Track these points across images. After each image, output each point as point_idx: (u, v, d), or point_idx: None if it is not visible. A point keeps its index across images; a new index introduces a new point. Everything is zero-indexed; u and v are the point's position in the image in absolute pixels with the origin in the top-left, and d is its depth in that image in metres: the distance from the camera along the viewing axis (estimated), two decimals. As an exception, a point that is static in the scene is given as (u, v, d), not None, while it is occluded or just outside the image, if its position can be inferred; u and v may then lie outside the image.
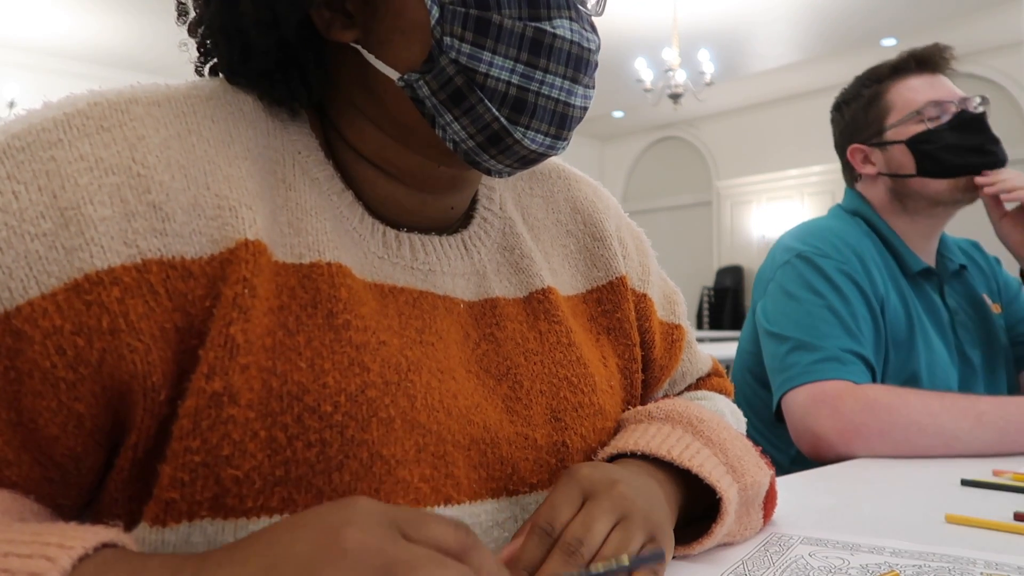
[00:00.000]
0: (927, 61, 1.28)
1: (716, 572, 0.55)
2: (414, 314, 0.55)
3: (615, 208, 0.75)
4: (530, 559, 0.46)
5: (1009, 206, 1.26)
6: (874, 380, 1.14)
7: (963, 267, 1.35)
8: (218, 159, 0.48)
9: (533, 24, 0.50)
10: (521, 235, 0.65)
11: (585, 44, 0.52)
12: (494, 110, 0.51)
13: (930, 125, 1.23)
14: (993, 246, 1.47)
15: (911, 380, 1.18)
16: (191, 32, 0.56)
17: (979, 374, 1.28)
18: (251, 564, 0.34)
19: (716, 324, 8.77)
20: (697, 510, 0.60)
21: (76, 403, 0.42)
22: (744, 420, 0.79)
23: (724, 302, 8.75)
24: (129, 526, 0.45)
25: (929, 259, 1.31)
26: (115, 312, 0.42)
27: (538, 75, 0.51)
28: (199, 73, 0.57)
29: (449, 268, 0.59)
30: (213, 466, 0.43)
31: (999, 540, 0.64)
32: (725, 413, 0.73)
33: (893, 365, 1.19)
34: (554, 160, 0.72)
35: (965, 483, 0.85)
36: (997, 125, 1.27)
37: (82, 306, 0.41)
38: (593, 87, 0.55)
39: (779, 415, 1.14)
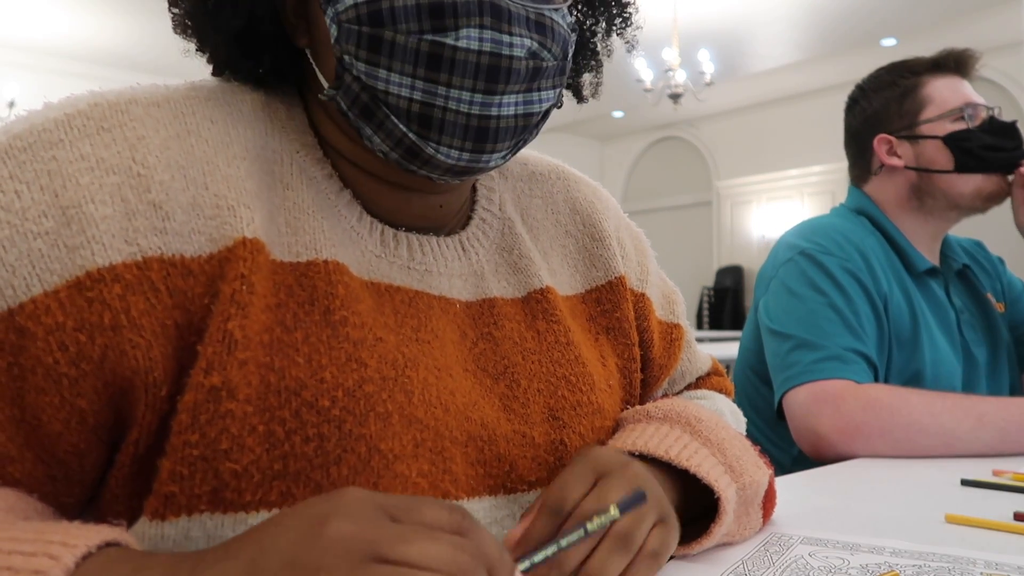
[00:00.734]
0: (963, 65, 1.29)
1: (716, 572, 0.55)
2: (410, 312, 0.55)
3: (614, 209, 0.74)
4: (539, 538, 0.46)
5: None
6: (877, 378, 1.14)
7: (966, 266, 1.35)
8: (217, 159, 0.48)
9: (430, 38, 0.48)
10: (520, 235, 0.65)
11: (503, 51, 0.48)
12: (402, 126, 0.50)
13: (970, 124, 1.24)
14: (996, 247, 1.48)
15: (915, 378, 1.18)
16: (177, 30, 0.57)
17: (983, 373, 1.28)
18: (240, 558, 0.34)
19: (716, 324, 8.77)
20: (696, 510, 0.60)
21: (79, 399, 0.42)
22: (744, 420, 0.79)
23: (724, 302, 8.75)
24: (131, 523, 0.45)
25: (933, 259, 1.31)
26: (117, 309, 0.42)
27: (441, 90, 0.49)
28: (216, 73, 0.58)
29: (446, 269, 0.59)
30: (211, 460, 0.44)
31: (999, 540, 0.64)
32: (725, 413, 0.73)
33: (897, 363, 1.18)
34: (554, 161, 0.73)
35: (965, 483, 0.85)
36: (997, 126, 1.27)
37: (84, 303, 0.42)
38: (546, 88, 0.53)
39: (780, 413, 1.14)
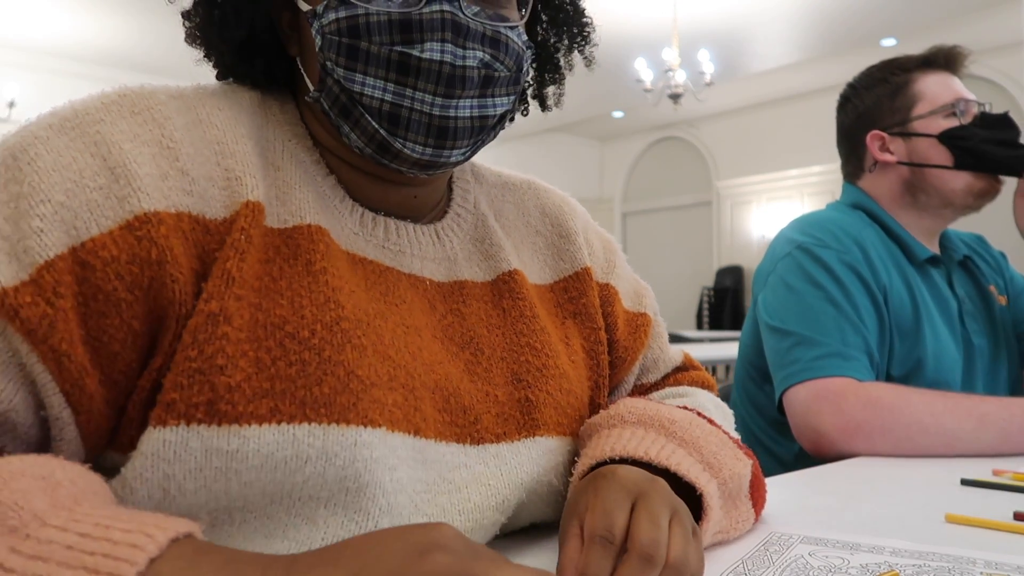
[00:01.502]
0: (953, 61, 1.29)
1: (716, 571, 0.55)
2: (379, 281, 0.61)
3: (583, 214, 0.81)
4: (599, 570, 0.46)
5: None
6: (877, 373, 1.14)
7: (967, 257, 1.35)
8: (225, 139, 0.56)
9: (399, 49, 0.55)
10: (493, 228, 0.71)
11: (459, 63, 0.56)
12: (374, 123, 0.57)
13: (963, 121, 1.24)
14: (998, 241, 1.47)
15: (916, 368, 1.18)
16: (187, 40, 0.64)
17: (984, 363, 1.27)
18: (341, 568, 0.37)
19: (716, 324, 8.77)
20: None
21: (133, 321, 0.49)
22: (731, 413, 0.79)
23: (724, 302, 8.75)
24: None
25: (933, 250, 1.30)
26: (162, 246, 0.50)
27: (408, 92, 0.56)
28: (220, 77, 0.65)
29: (420, 252, 0.65)
30: (208, 373, 0.49)
31: (999, 540, 0.64)
32: (708, 408, 0.73)
33: (898, 353, 1.18)
34: (527, 176, 0.80)
35: (965, 483, 0.85)
36: (997, 126, 1.27)
37: (134, 240, 0.49)
38: (500, 95, 0.60)
39: (781, 410, 1.14)
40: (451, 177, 0.72)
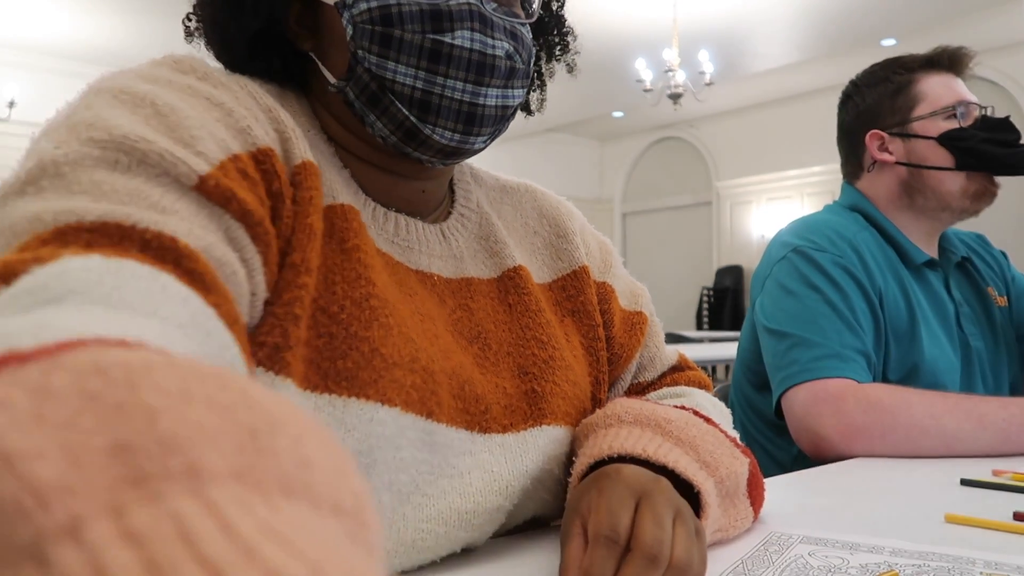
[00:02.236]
0: (957, 62, 1.28)
1: (716, 571, 0.55)
2: (393, 272, 0.62)
3: (579, 216, 0.83)
4: (603, 570, 0.47)
5: None
6: (874, 375, 1.14)
7: (966, 259, 1.35)
8: (274, 106, 0.57)
9: (432, 36, 0.57)
10: (496, 226, 0.73)
11: (488, 51, 0.59)
12: (404, 110, 0.59)
13: (963, 123, 1.23)
14: (998, 240, 1.47)
15: (913, 371, 1.18)
16: (190, 37, 0.66)
17: (982, 367, 1.27)
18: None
19: (716, 324, 8.78)
20: None
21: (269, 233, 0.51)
22: (728, 412, 0.79)
23: (724, 302, 8.76)
24: None
25: (931, 253, 1.30)
26: (281, 179, 0.53)
27: (439, 80, 0.58)
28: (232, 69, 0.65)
29: (427, 249, 0.66)
30: (282, 319, 0.51)
31: (999, 540, 0.64)
32: (706, 407, 0.74)
33: (895, 357, 1.18)
34: (523, 180, 0.82)
35: (965, 483, 0.85)
36: (998, 126, 1.27)
37: (258, 169, 0.52)
38: (517, 87, 0.62)
39: (779, 413, 1.14)
40: (452, 179, 0.73)
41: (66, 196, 0.42)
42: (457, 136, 0.60)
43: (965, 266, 1.35)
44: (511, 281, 0.70)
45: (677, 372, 0.83)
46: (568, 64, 0.76)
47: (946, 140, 1.24)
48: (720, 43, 6.65)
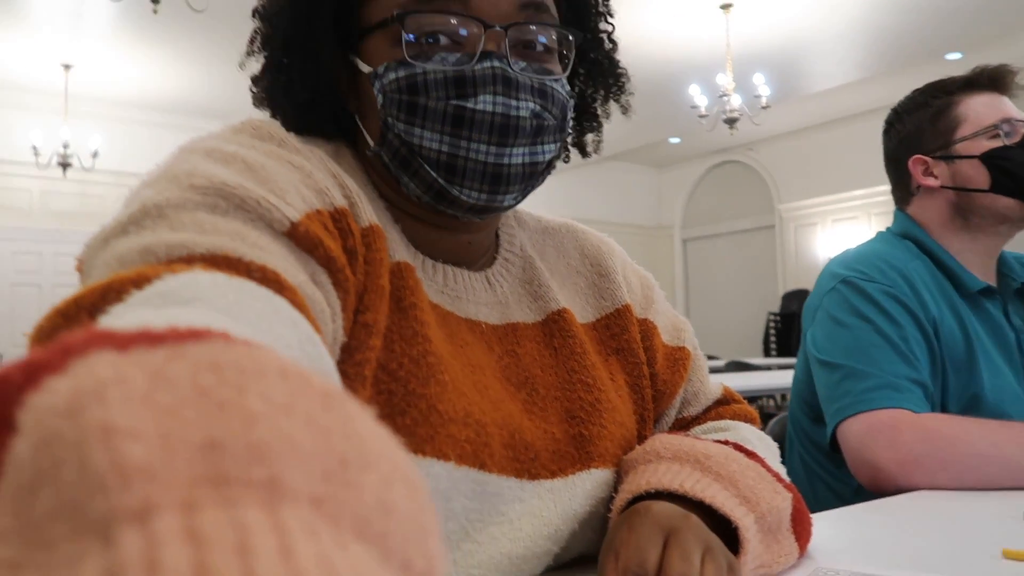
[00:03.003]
0: (999, 81, 1.25)
1: (756, 607, 0.56)
2: (444, 324, 0.64)
3: (620, 253, 0.84)
4: None
5: None
6: (933, 406, 1.11)
7: None
8: (339, 172, 0.60)
9: (455, 102, 0.60)
10: (539, 269, 0.75)
11: (512, 113, 0.60)
12: (432, 173, 0.61)
13: (1007, 141, 1.21)
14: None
15: (974, 402, 1.15)
16: (256, 103, 0.70)
17: None
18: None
19: (784, 350, 8.55)
20: None
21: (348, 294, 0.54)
22: (775, 446, 0.79)
23: (791, 327, 8.54)
24: None
25: (988, 278, 1.26)
26: (355, 238, 0.56)
27: (463, 143, 0.60)
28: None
29: (474, 297, 0.68)
30: (351, 378, 0.54)
31: (1056, 576, 0.62)
32: (751, 440, 0.74)
33: (954, 387, 1.15)
34: (565, 219, 0.84)
35: (1028, 516, 0.83)
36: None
37: (335, 227, 0.55)
38: (548, 142, 0.64)
39: (835, 445, 1.12)
40: (497, 224, 0.76)
41: (171, 233, 0.45)
42: (484, 196, 0.62)
43: None
44: (555, 324, 0.71)
45: (723, 406, 0.83)
46: (623, 105, 0.77)
47: (987, 159, 1.21)
48: (775, 65, 6.59)
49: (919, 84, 1.37)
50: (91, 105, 7.15)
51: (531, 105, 0.61)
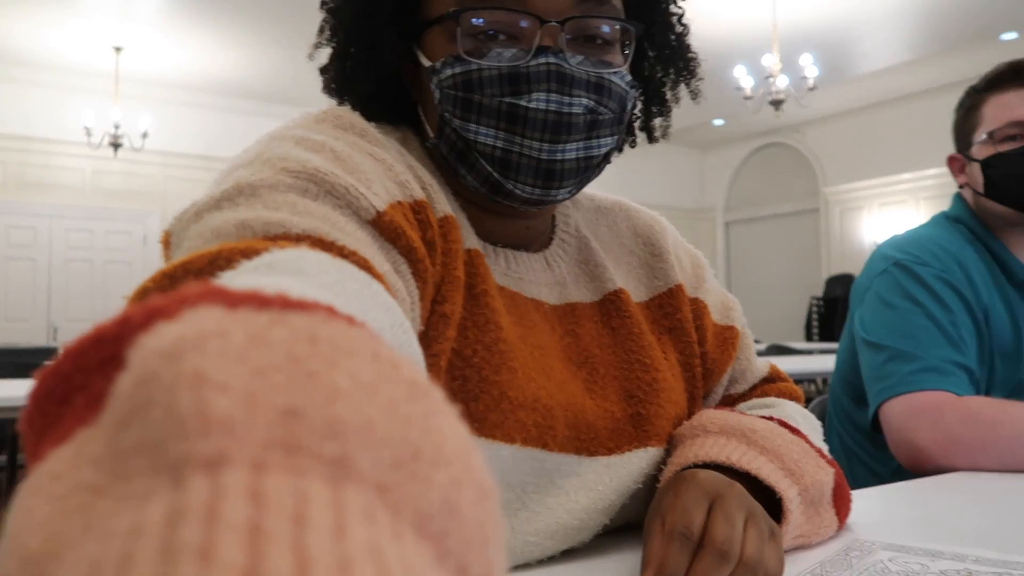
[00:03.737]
0: (1022, 73, 1.22)
1: (794, 572, 0.58)
2: (513, 306, 0.66)
3: (672, 231, 0.84)
4: (676, 566, 0.51)
5: None
6: (978, 391, 1.11)
7: None
8: (414, 163, 0.63)
9: (508, 100, 0.60)
10: (595, 249, 0.76)
11: (564, 110, 0.60)
12: (488, 167, 0.63)
13: (999, 148, 1.20)
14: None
15: (1019, 389, 1.15)
16: (326, 91, 0.71)
17: None
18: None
19: (826, 335, 8.44)
20: None
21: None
22: (818, 424, 0.80)
23: (835, 312, 8.41)
24: None
25: None
26: (434, 229, 0.58)
27: (517, 139, 0.61)
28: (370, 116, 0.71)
29: (535, 278, 0.70)
30: (432, 366, 0.56)
31: (1094, 553, 0.63)
32: (795, 418, 0.75)
33: (1000, 375, 1.15)
34: (617, 197, 0.84)
35: (1070, 497, 0.83)
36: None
37: (415, 218, 0.57)
38: (604, 136, 0.64)
39: (876, 426, 1.13)
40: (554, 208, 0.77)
41: (267, 211, 0.46)
42: (537, 190, 0.63)
43: None
44: (612, 305, 0.73)
45: (768, 383, 0.85)
46: (692, 90, 0.76)
47: (985, 165, 1.21)
48: (823, 45, 6.46)
49: (972, 65, 1.36)
50: (140, 87, 7.30)
51: (585, 101, 0.62)
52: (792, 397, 0.84)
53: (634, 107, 0.69)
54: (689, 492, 0.55)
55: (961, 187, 1.31)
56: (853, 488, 0.73)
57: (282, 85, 7.13)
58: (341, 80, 0.69)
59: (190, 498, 0.16)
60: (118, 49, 6.49)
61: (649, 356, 0.71)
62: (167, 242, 0.51)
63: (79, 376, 0.23)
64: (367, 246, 0.48)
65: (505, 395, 0.59)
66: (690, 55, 0.75)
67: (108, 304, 7.49)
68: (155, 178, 7.62)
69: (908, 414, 1.06)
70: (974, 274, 1.18)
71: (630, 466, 0.66)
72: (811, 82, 5.88)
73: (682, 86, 0.75)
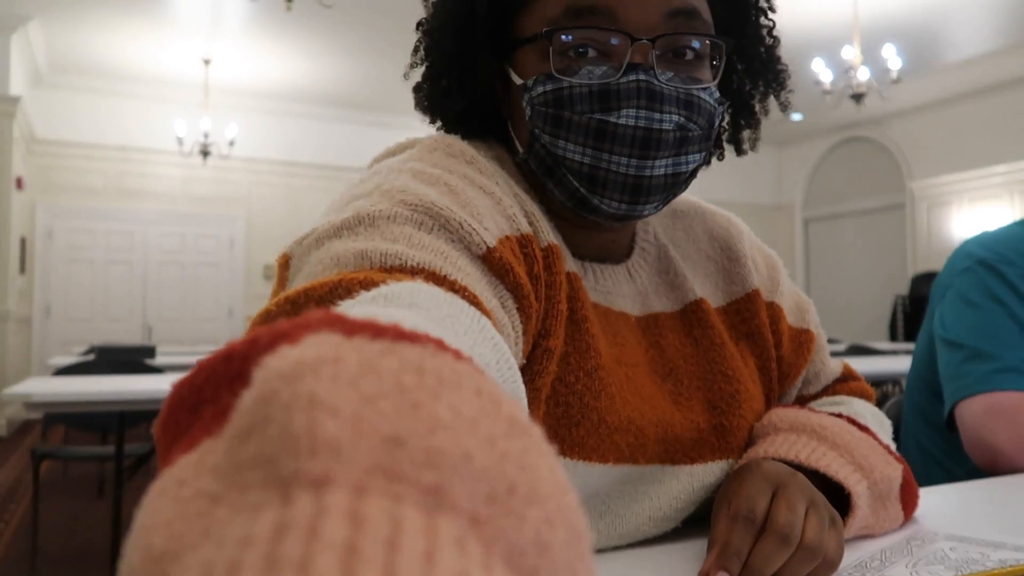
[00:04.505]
0: None
1: (855, 556, 0.61)
2: (607, 323, 0.68)
3: (748, 233, 0.84)
4: (740, 545, 0.55)
5: None
6: None
7: None
8: (517, 190, 0.65)
9: (598, 117, 0.61)
10: (674, 258, 0.77)
11: (655, 126, 0.61)
12: (575, 183, 0.64)
13: None
14: None
15: None
16: (419, 108, 0.74)
17: None
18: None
19: (912, 335, 8.13)
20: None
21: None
22: (888, 422, 0.81)
23: (921, 311, 8.09)
24: None
25: None
26: (539, 263, 0.60)
27: (605, 156, 0.62)
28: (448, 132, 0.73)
29: (620, 291, 0.72)
30: (530, 401, 0.57)
31: None
32: (864, 415, 0.77)
33: None
34: (692, 199, 0.84)
35: None
36: None
37: (522, 252, 0.59)
38: (692, 151, 0.64)
39: (951, 425, 1.12)
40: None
41: (384, 242, 0.49)
42: (624, 206, 0.63)
43: None
44: (694, 315, 0.74)
45: (840, 383, 0.86)
46: (782, 103, 0.76)
47: None
48: (908, 35, 6.24)
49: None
50: (227, 97, 7.65)
51: (675, 117, 0.62)
52: (863, 395, 0.85)
53: (722, 122, 0.70)
54: (754, 480, 0.59)
55: None
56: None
57: (359, 91, 7.35)
58: (435, 98, 0.71)
59: (295, 514, 0.17)
60: (207, 61, 6.82)
61: (731, 367, 0.72)
62: (285, 263, 0.54)
63: (209, 389, 0.25)
64: (477, 281, 0.50)
65: (603, 420, 0.61)
66: (780, 67, 0.74)
67: (198, 304, 7.88)
68: (241, 184, 7.97)
69: (985, 414, 1.06)
70: None
71: (711, 477, 0.69)
72: (894, 74, 5.68)
73: (771, 98, 0.76)
